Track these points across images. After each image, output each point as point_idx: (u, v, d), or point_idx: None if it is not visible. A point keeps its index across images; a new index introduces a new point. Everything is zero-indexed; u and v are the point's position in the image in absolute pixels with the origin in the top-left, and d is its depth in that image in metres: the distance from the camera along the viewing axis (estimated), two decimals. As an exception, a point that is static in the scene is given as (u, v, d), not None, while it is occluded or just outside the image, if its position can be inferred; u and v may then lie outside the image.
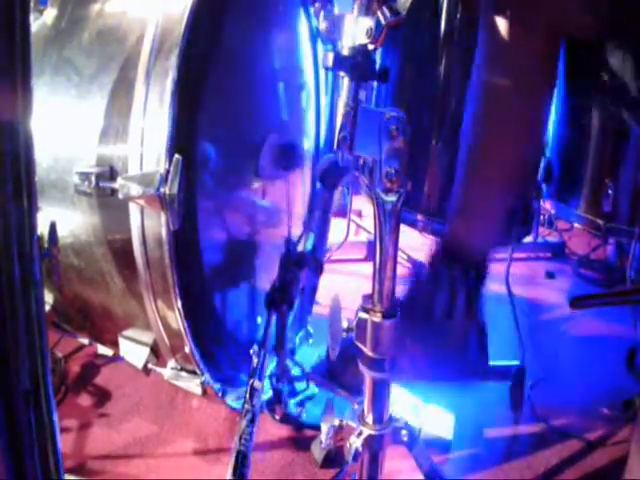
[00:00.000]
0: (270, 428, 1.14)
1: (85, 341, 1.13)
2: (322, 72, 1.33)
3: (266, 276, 1.23)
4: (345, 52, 0.66)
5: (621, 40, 0.89)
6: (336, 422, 0.83)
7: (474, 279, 1.07)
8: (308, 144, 1.35)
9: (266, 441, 1.11)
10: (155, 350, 0.98)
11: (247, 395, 0.95)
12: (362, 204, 2.13)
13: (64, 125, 0.91)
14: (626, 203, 1.71)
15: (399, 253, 0.73)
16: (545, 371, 1.39)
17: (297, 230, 1.32)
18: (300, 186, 1.34)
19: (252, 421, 0.92)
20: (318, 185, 1.14)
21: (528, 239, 2.03)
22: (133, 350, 0.99)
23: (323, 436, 0.99)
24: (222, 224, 1.09)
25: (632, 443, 0.72)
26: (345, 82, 0.66)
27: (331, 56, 0.65)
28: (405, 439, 0.81)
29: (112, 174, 0.85)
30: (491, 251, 1.11)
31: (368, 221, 2.09)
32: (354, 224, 2.01)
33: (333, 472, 1.02)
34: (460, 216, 1.10)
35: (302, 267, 1.12)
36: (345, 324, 0.73)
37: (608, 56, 0.91)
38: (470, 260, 1.06)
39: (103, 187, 0.84)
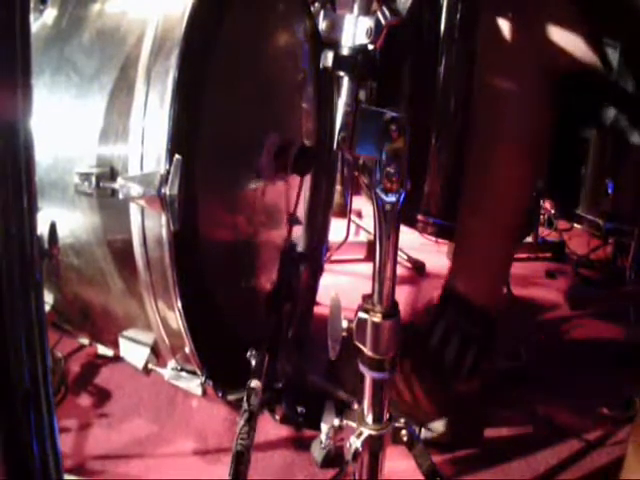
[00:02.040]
0: (270, 428, 1.14)
1: (85, 341, 1.14)
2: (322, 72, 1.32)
3: (266, 276, 1.23)
4: (345, 52, 0.66)
5: (620, 40, 0.89)
6: (336, 422, 0.83)
7: (485, 333, 1.07)
8: (309, 143, 1.35)
9: (266, 441, 1.11)
10: (155, 350, 0.98)
11: (246, 395, 0.95)
12: (362, 204, 2.13)
13: (64, 125, 0.91)
14: (626, 203, 1.71)
15: (399, 253, 0.73)
16: (545, 371, 1.39)
17: (297, 230, 1.32)
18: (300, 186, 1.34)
19: (251, 421, 0.91)
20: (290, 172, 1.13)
21: (528, 239, 2.03)
22: (133, 350, 0.99)
23: (323, 436, 0.99)
24: (223, 224, 1.09)
25: (629, 443, 0.72)
26: (345, 82, 0.66)
27: (331, 56, 0.65)
28: (405, 439, 0.81)
29: (112, 174, 0.85)
30: (499, 298, 1.10)
31: (368, 221, 2.09)
32: (354, 224, 2.01)
33: (333, 472, 1.02)
34: (467, 220, 1.09)
35: (302, 267, 1.12)
36: (345, 324, 0.73)
37: (608, 54, 0.91)
38: (479, 308, 1.05)
39: (103, 187, 0.84)
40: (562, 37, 0.93)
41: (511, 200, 1.06)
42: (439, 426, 1.08)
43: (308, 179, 1.39)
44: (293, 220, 1.18)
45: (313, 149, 1.25)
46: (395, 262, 0.70)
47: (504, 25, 0.98)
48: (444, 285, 1.09)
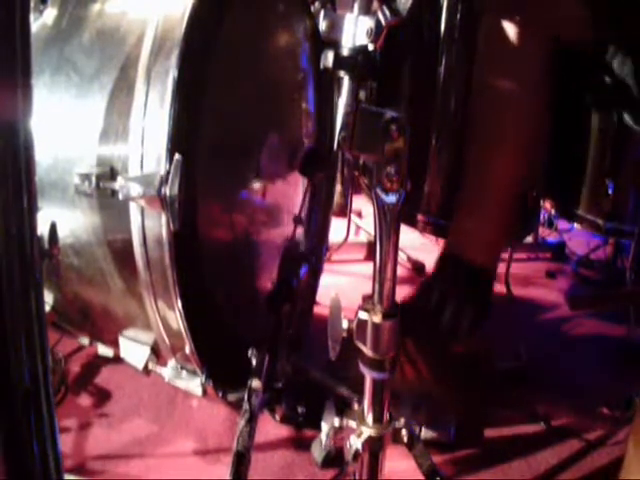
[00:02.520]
0: (270, 428, 1.14)
1: (85, 341, 1.13)
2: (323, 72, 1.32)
3: (266, 276, 1.23)
4: (345, 52, 0.66)
5: (620, 40, 0.89)
6: (336, 422, 0.83)
7: (481, 294, 1.06)
8: (309, 143, 1.35)
9: (266, 441, 1.11)
10: (155, 350, 0.99)
11: (247, 395, 0.95)
12: (362, 204, 2.13)
13: (64, 125, 0.91)
14: (626, 203, 1.71)
15: (399, 253, 0.73)
16: (545, 371, 1.39)
17: (297, 230, 1.32)
18: (300, 186, 1.34)
19: (252, 421, 0.92)
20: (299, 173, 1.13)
21: (528, 239, 2.03)
22: (133, 350, 0.99)
23: (323, 436, 0.99)
24: (222, 224, 1.09)
25: (629, 443, 0.72)
26: (345, 82, 0.66)
27: (331, 56, 0.65)
28: (405, 439, 0.81)
29: (112, 174, 0.85)
30: (498, 257, 1.10)
31: (368, 221, 2.09)
32: (354, 224, 2.01)
33: (333, 472, 1.02)
34: (465, 219, 1.09)
35: (302, 267, 1.11)
36: (345, 324, 0.73)
37: (608, 55, 0.91)
38: (477, 267, 1.05)
39: (103, 188, 0.84)
40: (564, 39, 0.93)
41: (511, 164, 1.05)
42: (441, 427, 1.09)
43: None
44: (298, 221, 1.18)
45: (322, 151, 1.24)
46: (395, 262, 0.70)
47: (505, 26, 0.98)
48: (442, 249, 1.09)
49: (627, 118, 0.97)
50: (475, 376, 1.11)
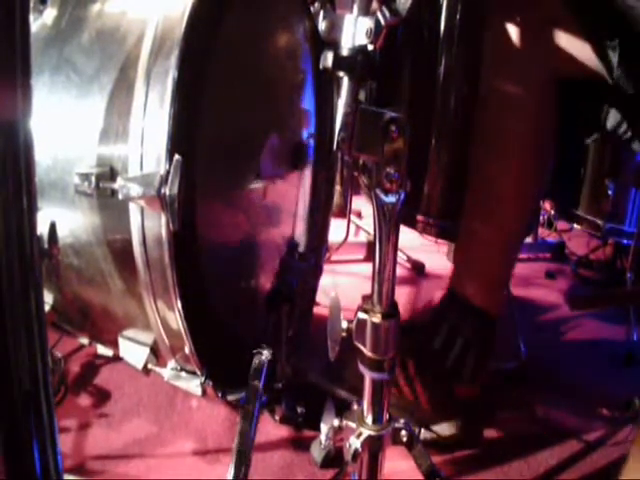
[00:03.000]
0: (270, 428, 1.14)
1: (85, 341, 1.13)
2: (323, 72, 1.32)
3: (266, 276, 1.23)
4: (345, 52, 0.66)
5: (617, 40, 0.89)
6: (336, 422, 0.83)
7: (486, 337, 1.06)
8: (309, 143, 1.35)
9: (266, 441, 1.11)
10: (155, 350, 0.98)
11: (247, 395, 0.95)
12: (362, 204, 2.13)
13: (64, 125, 0.91)
14: (626, 204, 1.71)
15: (399, 254, 0.73)
16: (545, 371, 1.39)
17: (297, 230, 1.32)
18: (300, 186, 1.34)
19: (252, 421, 0.92)
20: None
21: (528, 239, 2.03)
22: (133, 350, 0.99)
23: (323, 436, 0.99)
24: (222, 224, 1.08)
25: (633, 443, 0.72)
26: (345, 82, 0.66)
27: (331, 56, 0.65)
28: (405, 439, 0.81)
29: (112, 175, 0.85)
30: (502, 299, 1.10)
31: (368, 221, 2.09)
32: (354, 224, 2.01)
33: (333, 472, 1.02)
34: (468, 267, 1.09)
35: (302, 267, 1.12)
36: (345, 324, 0.73)
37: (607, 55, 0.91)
38: (482, 310, 1.05)
39: (103, 188, 0.84)
40: (567, 42, 0.93)
41: (515, 204, 1.05)
42: (446, 428, 1.08)
43: (308, 179, 1.39)
44: (306, 225, 1.18)
45: (304, 144, 1.25)
46: (395, 262, 0.70)
47: (510, 29, 0.98)
48: (446, 287, 1.09)
49: (627, 121, 0.97)
50: (473, 419, 1.11)
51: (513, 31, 0.97)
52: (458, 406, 1.08)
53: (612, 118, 0.98)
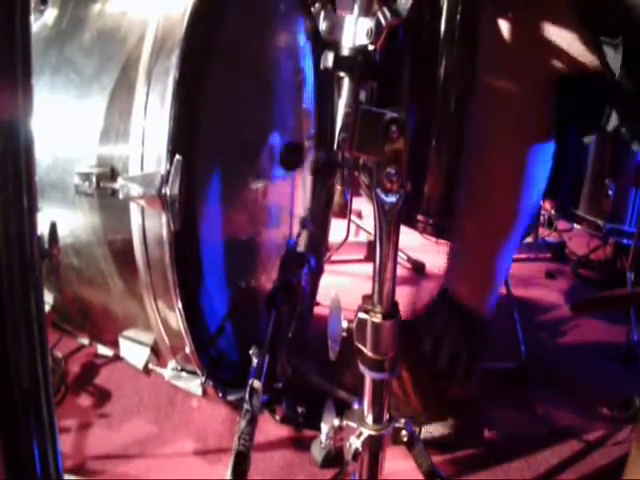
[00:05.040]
0: (270, 428, 1.14)
1: (85, 341, 1.13)
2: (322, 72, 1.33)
3: (267, 276, 1.23)
4: (345, 53, 0.66)
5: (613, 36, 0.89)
6: (336, 422, 0.83)
7: (477, 339, 1.06)
8: (309, 144, 1.35)
9: (266, 441, 1.11)
10: (155, 350, 0.99)
11: (247, 395, 0.95)
12: (362, 204, 2.13)
13: (64, 125, 0.91)
14: (626, 204, 1.71)
15: (399, 254, 0.73)
16: (545, 371, 1.39)
17: (297, 230, 1.32)
18: (300, 186, 1.35)
19: (252, 421, 0.92)
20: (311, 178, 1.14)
21: (528, 239, 2.03)
22: (133, 350, 0.99)
23: (323, 436, 0.99)
24: (223, 224, 1.09)
25: (634, 442, 0.72)
26: (345, 83, 0.66)
27: (331, 56, 0.65)
28: (405, 439, 0.81)
29: (113, 174, 0.85)
30: (491, 306, 1.10)
31: (368, 221, 2.09)
32: (354, 224, 2.01)
33: (333, 472, 1.02)
34: (458, 270, 1.09)
35: (302, 267, 1.12)
36: (345, 324, 0.73)
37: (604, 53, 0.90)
38: (472, 312, 1.04)
39: (104, 187, 0.85)
40: (561, 38, 0.93)
41: (509, 205, 1.05)
42: (440, 428, 1.08)
43: (308, 179, 1.39)
44: (305, 223, 1.18)
45: (300, 144, 1.25)
46: (395, 262, 0.70)
47: (504, 26, 0.97)
48: (440, 287, 1.09)
49: (627, 120, 0.97)
50: (465, 419, 1.11)
51: (506, 28, 0.97)
52: (450, 407, 1.08)
53: (612, 118, 0.97)
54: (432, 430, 1.09)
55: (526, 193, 1.08)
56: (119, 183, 0.82)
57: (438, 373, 1.04)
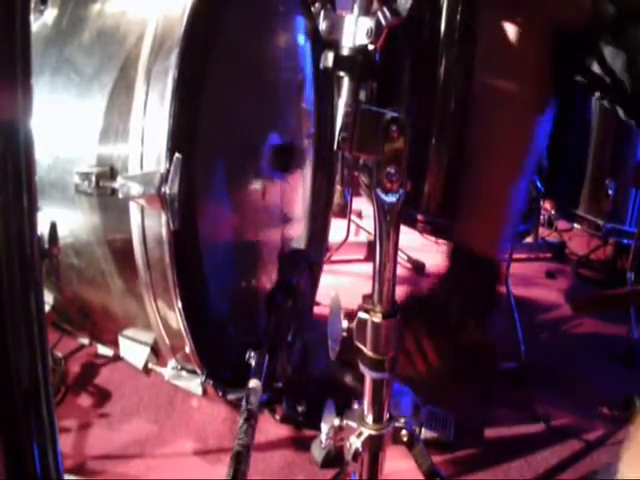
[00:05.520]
0: (270, 428, 1.14)
1: (85, 341, 1.13)
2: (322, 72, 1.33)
3: (266, 276, 1.23)
4: (345, 52, 0.66)
5: (610, 34, 0.89)
6: (336, 422, 0.83)
7: (488, 286, 1.06)
8: (308, 144, 1.35)
9: (266, 441, 1.11)
10: (155, 350, 0.99)
11: (247, 395, 0.94)
12: (362, 204, 2.13)
13: (64, 125, 0.91)
14: (626, 203, 1.71)
15: (399, 253, 0.73)
16: (545, 371, 1.39)
17: (297, 230, 1.32)
18: (300, 186, 1.34)
19: (252, 421, 0.91)
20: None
21: (528, 239, 2.03)
22: (133, 350, 0.99)
23: (323, 436, 0.99)
24: (222, 224, 1.09)
25: (627, 443, 0.72)
26: (345, 82, 0.66)
27: (331, 56, 0.65)
28: (405, 439, 0.81)
29: (112, 174, 0.85)
30: (502, 251, 1.10)
31: (368, 221, 2.09)
32: (354, 224, 2.01)
33: (333, 472, 1.02)
34: (467, 217, 1.09)
35: (302, 267, 1.11)
36: (345, 324, 0.73)
37: (601, 50, 0.90)
38: (482, 263, 1.05)
39: (103, 187, 0.84)
40: (560, 37, 0.93)
41: (508, 200, 1.05)
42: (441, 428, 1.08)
43: (309, 179, 1.39)
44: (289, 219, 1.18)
45: (294, 145, 1.24)
46: (395, 262, 0.70)
47: (503, 26, 0.97)
48: (450, 248, 1.09)
49: (619, 111, 0.97)
50: (476, 370, 1.10)
51: (504, 27, 0.97)
52: (463, 354, 1.08)
53: (611, 114, 0.97)
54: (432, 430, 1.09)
55: (525, 191, 1.08)
56: (119, 182, 0.82)
57: (451, 323, 1.04)
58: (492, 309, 1.07)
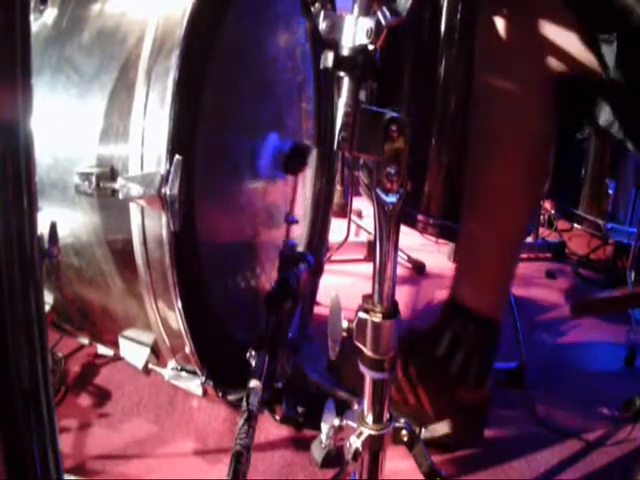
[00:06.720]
0: (270, 428, 1.14)
1: (85, 341, 1.13)
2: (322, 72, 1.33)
3: (266, 276, 1.23)
4: (345, 52, 0.66)
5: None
6: (336, 422, 0.83)
7: (489, 344, 1.06)
8: (308, 144, 1.35)
9: (266, 441, 1.11)
10: (155, 350, 0.98)
11: (246, 395, 0.94)
12: (362, 204, 2.13)
13: (64, 125, 0.91)
14: (626, 203, 1.71)
15: (399, 254, 0.73)
16: (545, 371, 1.39)
17: (297, 230, 1.32)
18: (300, 186, 1.34)
19: (251, 421, 0.91)
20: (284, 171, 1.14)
21: (528, 239, 2.03)
22: (133, 350, 0.99)
23: (323, 436, 0.99)
24: (222, 224, 1.09)
25: None
26: (345, 82, 0.66)
27: (331, 56, 0.65)
28: (405, 439, 0.81)
29: (113, 174, 0.85)
30: (503, 310, 1.10)
31: (368, 221, 2.09)
32: (354, 224, 2.01)
33: (333, 472, 1.02)
34: (469, 260, 1.09)
35: (302, 267, 1.11)
36: (345, 324, 0.73)
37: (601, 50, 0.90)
38: (483, 318, 1.05)
39: (104, 187, 0.84)
40: (560, 37, 0.93)
41: (514, 204, 1.05)
42: (442, 427, 1.08)
43: (309, 179, 1.39)
44: (290, 219, 1.18)
45: (306, 148, 1.24)
46: (395, 262, 0.70)
47: (502, 25, 0.97)
48: (449, 293, 1.08)
49: (624, 118, 0.97)
50: (472, 421, 1.11)
51: (503, 28, 0.97)
52: (462, 410, 1.08)
53: (605, 115, 0.97)
54: (432, 430, 1.08)
55: (530, 193, 1.08)
56: (119, 183, 0.82)
57: (450, 378, 1.04)
58: (491, 367, 1.07)
